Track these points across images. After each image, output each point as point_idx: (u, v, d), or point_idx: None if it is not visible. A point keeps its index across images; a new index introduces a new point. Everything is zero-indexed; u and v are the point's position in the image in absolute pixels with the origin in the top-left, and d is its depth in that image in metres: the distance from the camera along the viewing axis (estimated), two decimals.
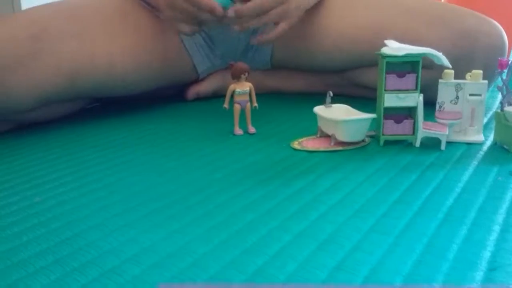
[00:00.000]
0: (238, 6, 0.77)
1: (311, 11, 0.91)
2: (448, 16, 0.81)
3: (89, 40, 0.79)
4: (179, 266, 0.38)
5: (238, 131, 0.74)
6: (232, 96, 0.73)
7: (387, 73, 0.64)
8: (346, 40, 0.87)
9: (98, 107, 0.99)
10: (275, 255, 0.39)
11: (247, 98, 0.73)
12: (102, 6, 0.85)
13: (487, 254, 0.39)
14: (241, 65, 0.72)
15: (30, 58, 0.73)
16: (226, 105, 0.72)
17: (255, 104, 0.74)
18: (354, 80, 0.92)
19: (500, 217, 0.45)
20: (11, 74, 0.72)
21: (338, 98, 0.77)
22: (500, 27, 0.81)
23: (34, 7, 0.82)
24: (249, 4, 0.77)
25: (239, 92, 0.72)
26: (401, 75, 0.64)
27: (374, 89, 0.69)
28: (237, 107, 0.73)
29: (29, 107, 0.76)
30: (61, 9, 0.81)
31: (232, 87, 0.72)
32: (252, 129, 0.75)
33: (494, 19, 0.82)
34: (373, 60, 0.72)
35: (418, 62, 0.63)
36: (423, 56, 0.63)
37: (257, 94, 0.75)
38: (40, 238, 0.44)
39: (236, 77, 0.72)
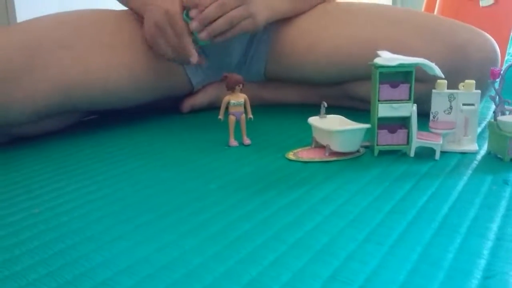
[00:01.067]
0: (199, 15, 0.79)
1: (305, 25, 0.92)
2: (441, 30, 0.81)
3: (84, 54, 0.80)
4: (172, 278, 0.38)
5: (233, 142, 0.74)
6: (227, 107, 0.73)
7: (380, 83, 0.64)
8: (340, 55, 0.88)
9: (93, 119, 0.99)
10: (269, 265, 0.39)
11: (242, 109, 0.74)
12: (97, 19, 0.86)
13: (482, 263, 0.39)
14: (236, 76, 0.72)
15: (24, 71, 0.73)
16: (221, 117, 0.72)
17: (250, 116, 0.74)
18: (349, 93, 0.93)
19: (495, 226, 0.45)
20: (5, 87, 0.72)
21: (333, 109, 0.78)
22: (492, 40, 0.81)
23: (29, 20, 0.82)
24: (210, 6, 0.79)
25: (233, 103, 0.73)
26: (394, 85, 0.64)
27: (368, 102, 0.69)
28: (232, 118, 0.73)
29: (24, 121, 0.76)
30: (55, 21, 0.81)
31: (226, 98, 0.72)
32: (247, 141, 0.75)
33: (485, 31, 0.83)
34: (367, 74, 0.73)
35: (411, 72, 0.64)
36: (416, 66, 0.64)
37: (251, 106, 0.75)
38: (33, 250, 0.43)
39: (231, 88, 0.72)
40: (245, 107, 0.74)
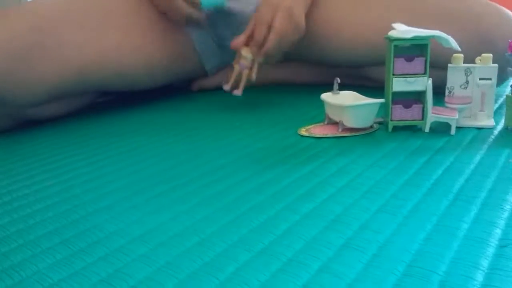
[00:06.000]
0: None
1: (325, 10, 0.89)
2: (464, 16, 0.76)
3: (97, 34, 0.79)
4: (186, 245, 0.38)
5: (226, 86, 0.78)
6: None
7: (395, 57, 0.63)
8: (360, 41, 0.85)
9: (105, 99, 0.99)
10: (282, 234, 0.39)
11: (248, 64, 0.77)
12: (114, 1, 0.85)
13: (497, 232, 0.38)
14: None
15: (36, 49, 0.73)
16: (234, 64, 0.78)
17: (253, 76, 0.78)
18: (365, 75, 0.91)
19: (511, 197, 0.44)
20: (19, 66, 0.71)
21: (346, 86, 0.77)
22: None
23: (39, 0, 0.81)
24: (268, 41, 0.76)
25: (243, 55, 0.77)
26: (409, 59, 0.63)
27: (381, 82, 0.68)
28: (236, 66, 0.78)
29: (35, 102, 0.75)
30: (67, 1, 0.81)
31: (242, 49, 0.77)
32: (236, 91, 0.78)
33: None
34: (382, 59, 0.71)
35: (426, 45, 0.62)
36: (431, 38, 0.62)
37: (265, 86, 0.75)
38: (46, 220, 0.44)
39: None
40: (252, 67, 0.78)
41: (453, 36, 0.70)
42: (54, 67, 0.74)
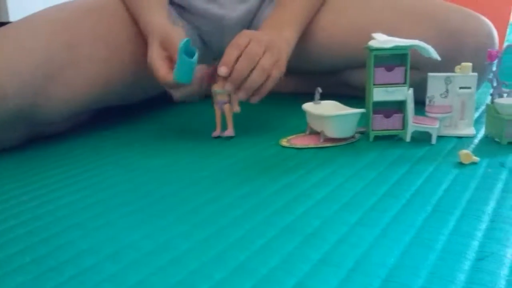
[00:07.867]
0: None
1: None
2: (434, 15, 0.78)
3: (117, 46, 0.77)
4: (159, 263, 0.37)
5: (215, 133, 0.72)
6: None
7: (375, 66, 0.63)
8: (335, 43, 0.85)
9: None
10: (258, 250, 0.38)
11: (226, 98, 0.70)
12: (117, 8, 0.81)
13: (475, 244, 0.38)
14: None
15: (69, 65, 0.70)
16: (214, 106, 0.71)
17: (236, 108, 0.70)
18: (345, 81, 0.91)
19: (489, 208, 0.44)
20: (52, 83, 0.69)
21: (328, 96, 0.76)
22: (489, 24, 0.78)
23: (58, 9, 0.76)
24: (239, 62, 0.66)
25: (216, 91, 0.69)
26: (389, 69, 0.63)
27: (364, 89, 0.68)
28: (216, 108, 0.71)
29: (65, 118, 0.73)
30: (87, 10, 0.77)
31: (213, 87, 0.70)
32: (226, 132, 0.71)
33: (484, 13, 0.81)
34: (361, 61, 0.71)
35: (406, 54, 0.62)
36: (411, 48, 0.62)
37: None
38: (18, 238, 0.43)
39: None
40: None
41: (425, 33, 0.71)
42: (84, 84, 0.72)
